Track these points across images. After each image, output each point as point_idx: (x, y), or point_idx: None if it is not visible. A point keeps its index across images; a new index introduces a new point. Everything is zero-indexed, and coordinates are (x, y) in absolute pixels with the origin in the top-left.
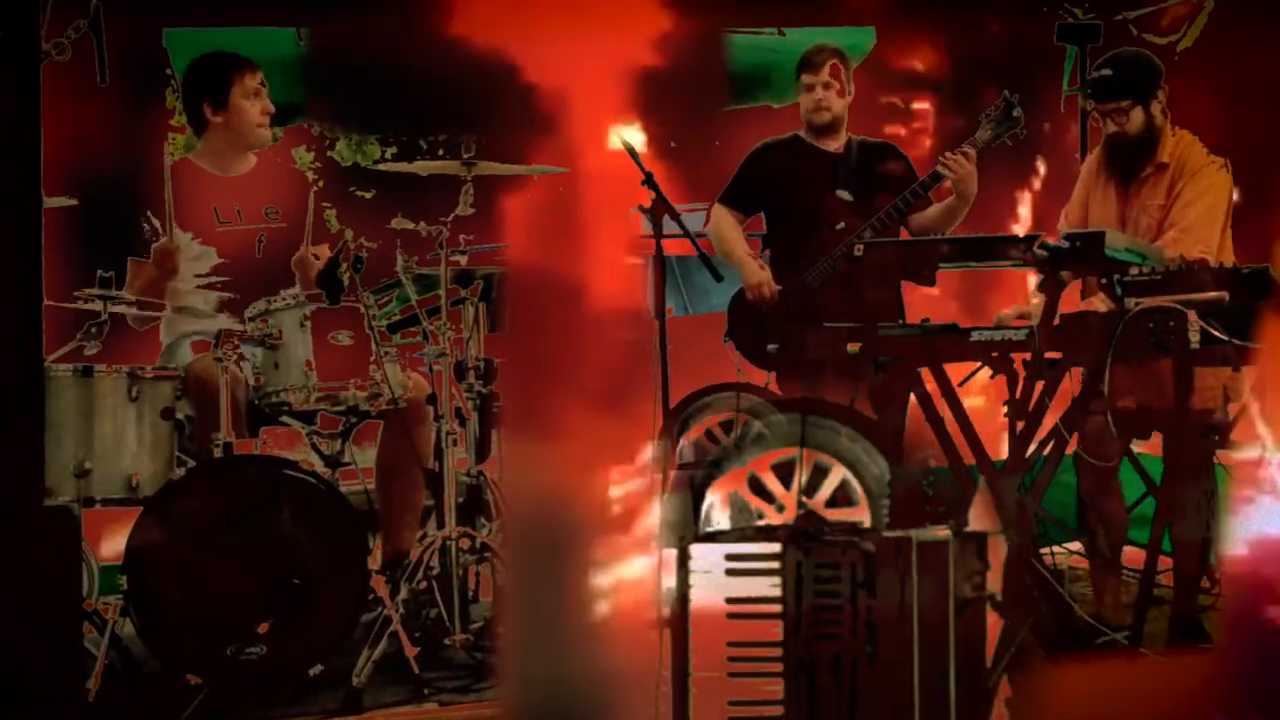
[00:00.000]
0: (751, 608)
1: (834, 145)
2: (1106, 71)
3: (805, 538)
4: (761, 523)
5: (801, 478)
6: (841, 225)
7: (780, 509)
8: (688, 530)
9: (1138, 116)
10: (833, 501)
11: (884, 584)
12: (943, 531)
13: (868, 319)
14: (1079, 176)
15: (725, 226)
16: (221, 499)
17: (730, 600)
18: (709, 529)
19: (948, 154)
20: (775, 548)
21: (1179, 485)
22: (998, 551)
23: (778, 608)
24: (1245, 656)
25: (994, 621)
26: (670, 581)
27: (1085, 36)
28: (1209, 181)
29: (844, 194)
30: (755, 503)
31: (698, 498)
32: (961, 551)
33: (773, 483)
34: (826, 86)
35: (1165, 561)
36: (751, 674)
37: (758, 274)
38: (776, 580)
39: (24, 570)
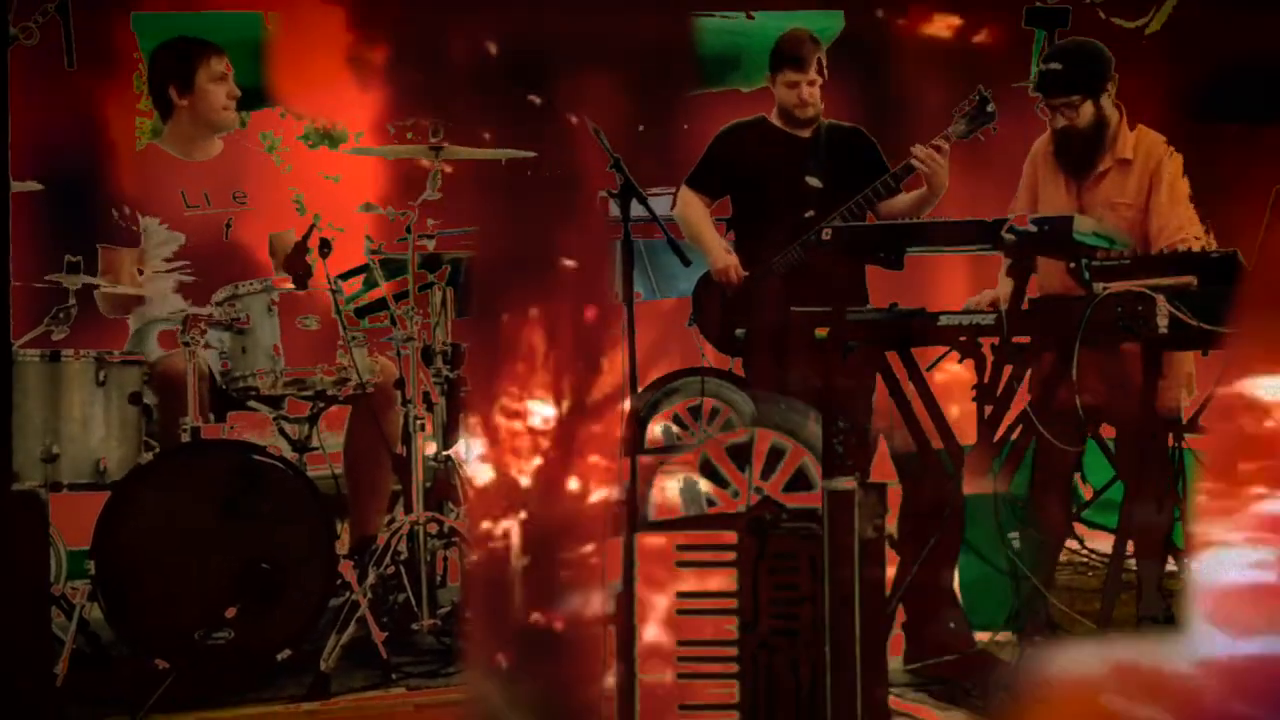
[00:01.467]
0: (704, 603)
1: (805, 131)
2: (1055, 65)
3: (761, 525)
4: (715, 509)
5: (757, 460)
6: (810, 213)
7: (735, 494)
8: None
9: (1088, 110)
10: (791, 485)
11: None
12: (849, 482)
13: (833, 304)
14: (1024, 169)
15: (692, 210)
16: (189, 484)
17: (681, 595)
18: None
19: (919, 146)
20: (731, 537)
21: (1142, 472)
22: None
23: (732, 603)
24: None
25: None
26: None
27: (1054, 21)
28: (1166, 171)
29: (813, 180)
30: (709, 488)
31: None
32: (865, 498)
33: (727, 466)
34: (811, 83)
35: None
36: (703, 675)
37: (724, 258)
38: (731, 573)
39: None
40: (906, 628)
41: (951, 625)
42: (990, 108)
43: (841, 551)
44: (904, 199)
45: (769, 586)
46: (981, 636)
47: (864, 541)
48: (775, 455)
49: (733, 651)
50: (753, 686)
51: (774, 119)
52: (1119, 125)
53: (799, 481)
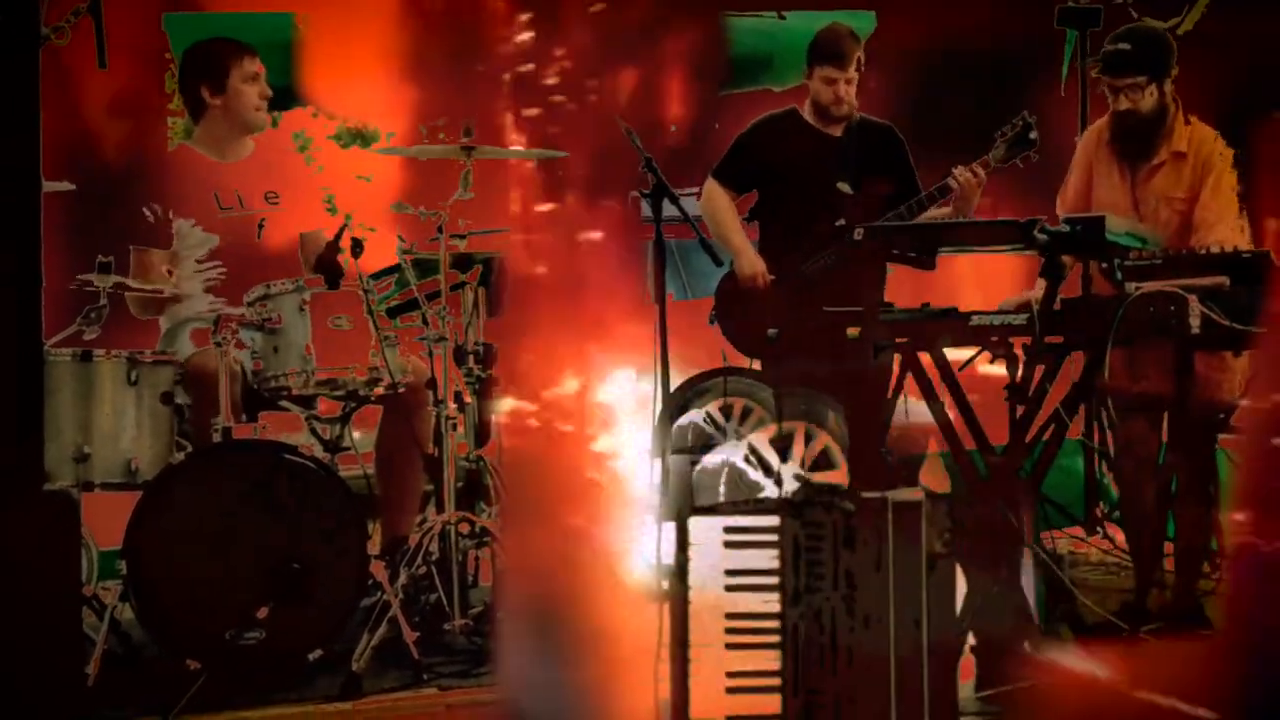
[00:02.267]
0: (750, 579)
1: (836, 129)
2: (1124, 45)
3: (798, 507)
4: (760, 496)
5: (800, 450)
6: (841, 222)
7: (778, 482)
8: (685, 505)
9: (1152, 94)
10: (815, 465)
11: (862, 541)
12: (916, 493)
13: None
14: (1075, 155)
15: (721, 208)
16: (221, 484)
17: (729, 572)
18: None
19: (960, 169)
20: (773, 520)
21: (1183, 470)
22: None
23: (775, 579)
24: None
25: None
26: (668, 555)
27: (1086, 21)
28: (1218, 166)
29: (844, 186)
30: (754, 475)
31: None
32: (933, 510)
33: (769, 454)
34: (849, 80)
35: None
36: (749, 645)
37: (754, 263)
38: (774, 552)
39: (23, 555)
40: (977, 651)
41: (1028, 647)
42: (1033, 135)
43: (909, 568)
44: (931, 215)
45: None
46: None
47: (931, 557)
48: (806, 440)
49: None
50: (795, 657)
51: (806, 114)
52: (1176, 117)
53: (822, 462)
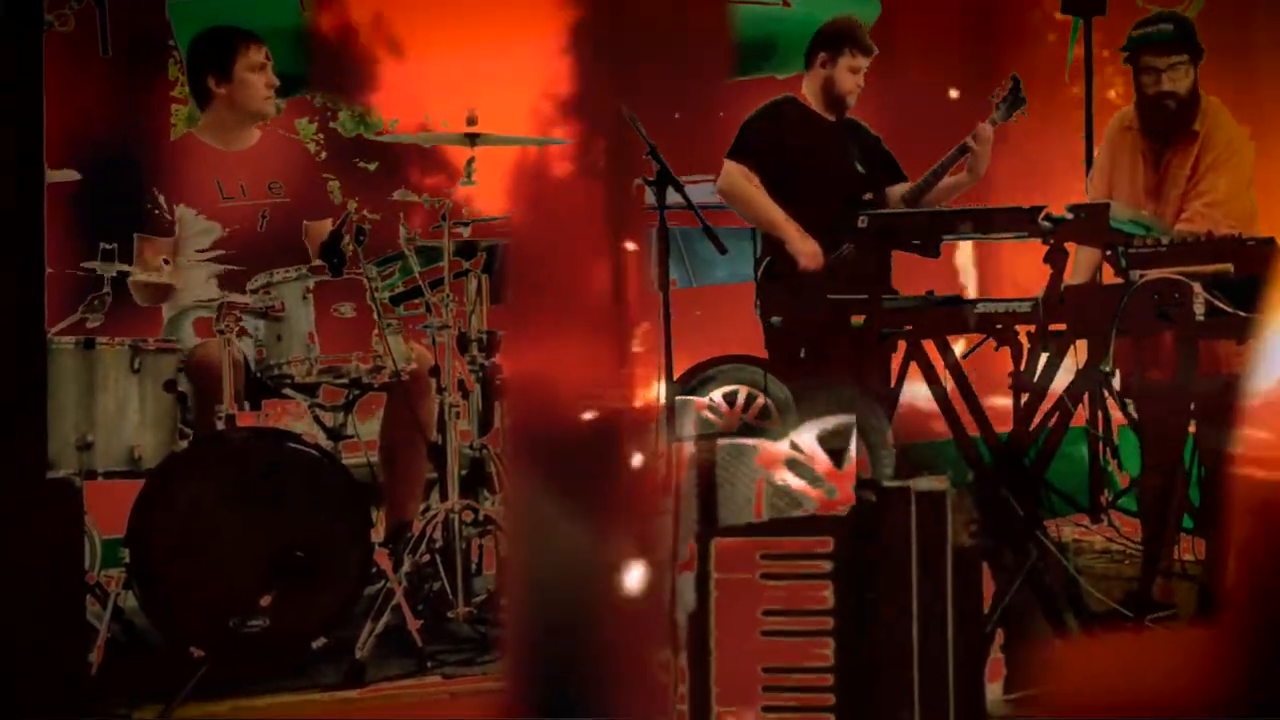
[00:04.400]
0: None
1: (832, 115)
2: (1167, 25)
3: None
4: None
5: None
6: (869, 196)
7: (831, 493)
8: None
9: (1190, 76)
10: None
11: (887, 532)
12: (940, 481)
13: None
14: (1103, 142)
15: (753, 190)
16: (224, 472)
17: (767, 613)
18: None
19: (983, 125)
20: (827, 544)
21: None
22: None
23: (829, 623)
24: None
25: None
26: (689, 585)
27: (1090, 7)
28: (1236, 150)
29: (859, 165)
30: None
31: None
32: (959, 501)
33: (818, 457)
34: (865, 70)
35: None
36: (796, 708)
37: (811, 242)
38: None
39: (26, 543)
40: (1006, 650)
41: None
42: (1022, 92)
43: (934, 562)
44: (946, 183)
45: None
46: None
47: (958, 550)
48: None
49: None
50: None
51: (809, 101)
52: (1203, 99)
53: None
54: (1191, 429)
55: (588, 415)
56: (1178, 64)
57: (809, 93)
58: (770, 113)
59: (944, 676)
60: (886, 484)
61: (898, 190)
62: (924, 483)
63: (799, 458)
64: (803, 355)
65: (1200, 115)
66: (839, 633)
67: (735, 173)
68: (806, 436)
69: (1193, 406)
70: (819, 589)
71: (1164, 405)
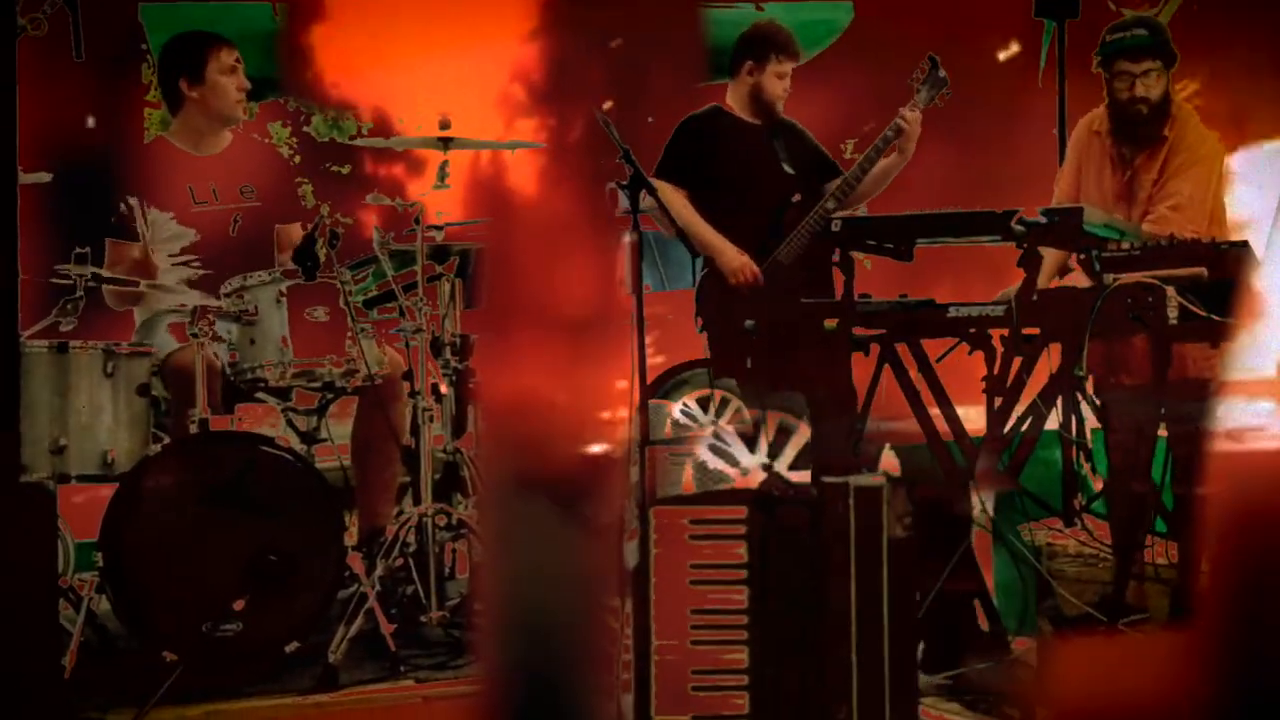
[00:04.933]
0: (717, 574)
1: (758, 119)
2: (1140, 31)
3: (769, 502)
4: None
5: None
6: (797, 198)
7: (744, 472)
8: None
9: (1163, 83)
10: (797, 464)
11: (828, 522)
12: (877, 478)
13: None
14: (1070, 146)
15: (682, 205)
16: (197, 476)
17: (695, 566)
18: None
19: (908, 109)
20: (740, 511)
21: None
22: None
23: (743, 574)
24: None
25: None
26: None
27: (1064, 10)
28: (1202, 155)
29: (788, 168)
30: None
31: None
32: (893, 494)
33: (736, 446)
34: (789, 74)
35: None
36: (716, 642)
37: (739, 257)
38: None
39: None
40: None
41: (979, 630)
42: (942, 73)
43: (869, 554)
44: (878, 167)
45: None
46: (1020, 644)
47: (893, 542)
48: (783, 435)
49: (743, 620)
50: (762, 653)
51: (735, 108)
52: (1174, 104)
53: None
54: (1162, 433)
55: (560, 422)
56: (1151, 70)
57: (734, 100)
58: (695, 126)
59: (880, 655)
60: (827, 479)
61: (832, 185)
62: (862, 479)
63: (720, 445)
64: (749, 365)
65: (1170, 121)
66: (751, 582)
67: (661, 190)
68: (728, 427)
69: (1163, 411)
70: (736, 547)
71: (1133, 410)
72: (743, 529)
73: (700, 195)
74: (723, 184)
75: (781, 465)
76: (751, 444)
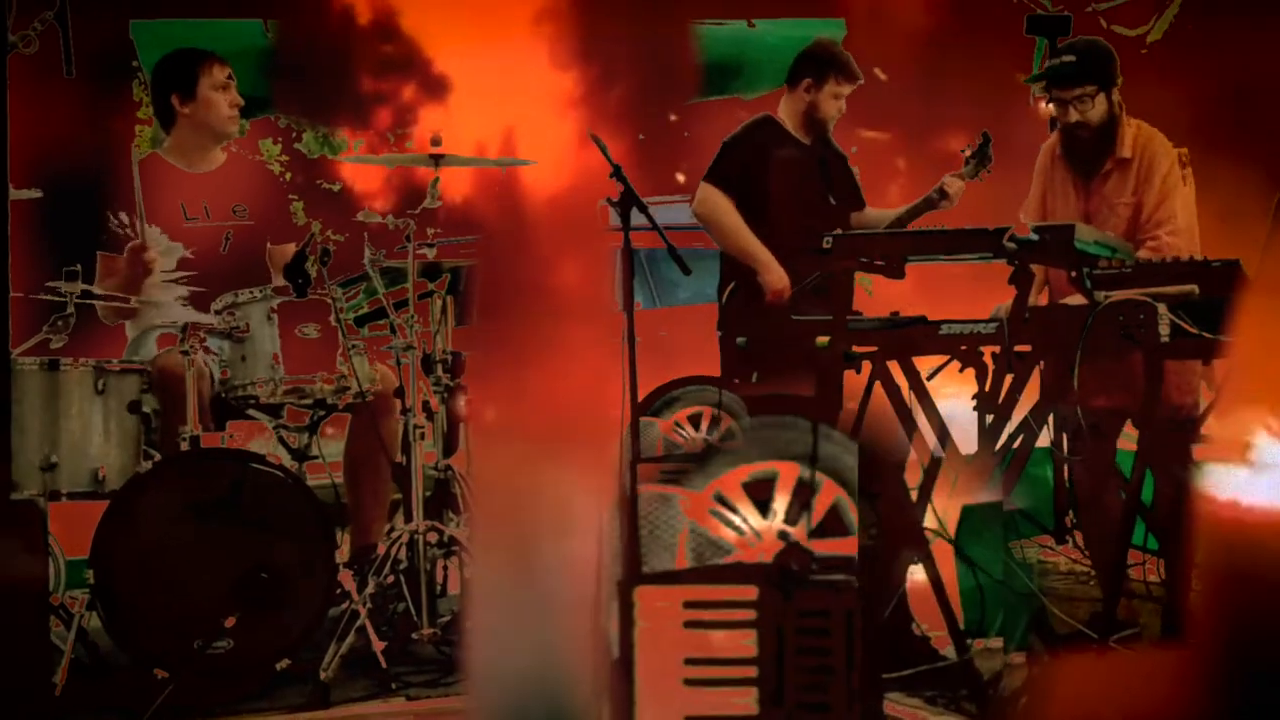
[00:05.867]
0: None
1: (809, 139)
2: (1069, 57)
3: (788, 580)
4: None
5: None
6: (839, 231)
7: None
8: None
9: (1101, 104)
10: (820, 530)
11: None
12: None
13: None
14: (1034, 174)
15: (728, 213)
16: (188, 493)
17: (690, 661)
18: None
19: (955, 182)
20: (750, 592)
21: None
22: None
23: (751, 670)
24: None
25: None
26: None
27: (1055, 28)
28: (1178, 175)
29: (832, 199)
30: (722, 533)
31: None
32: (860, 507)
33: (746, 507)
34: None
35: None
36: None
37: (784, 278)
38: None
39: None
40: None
41: (917, 633)
42: (990, 150)
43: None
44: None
45: (796, 651)
46: (978, 644)
47: (861, 550)
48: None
49: None
50: None
51: (787, 123)
52: (1123, 124)
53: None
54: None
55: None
56: (1084, 95)
57: (787, 114)
58: (748, 136)
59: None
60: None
61: (856, 218)
62: None
63: (722, 510)
64: (754, 379)
65: (1127, 142)
66: (761, 683)
67: (712, 196)
68: (732, 481)
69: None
70: (743, 638)
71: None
72: (752, 614)
73: (746, 205)
74: (769, 199)
75: (801, 531)
76: (764, 504)
